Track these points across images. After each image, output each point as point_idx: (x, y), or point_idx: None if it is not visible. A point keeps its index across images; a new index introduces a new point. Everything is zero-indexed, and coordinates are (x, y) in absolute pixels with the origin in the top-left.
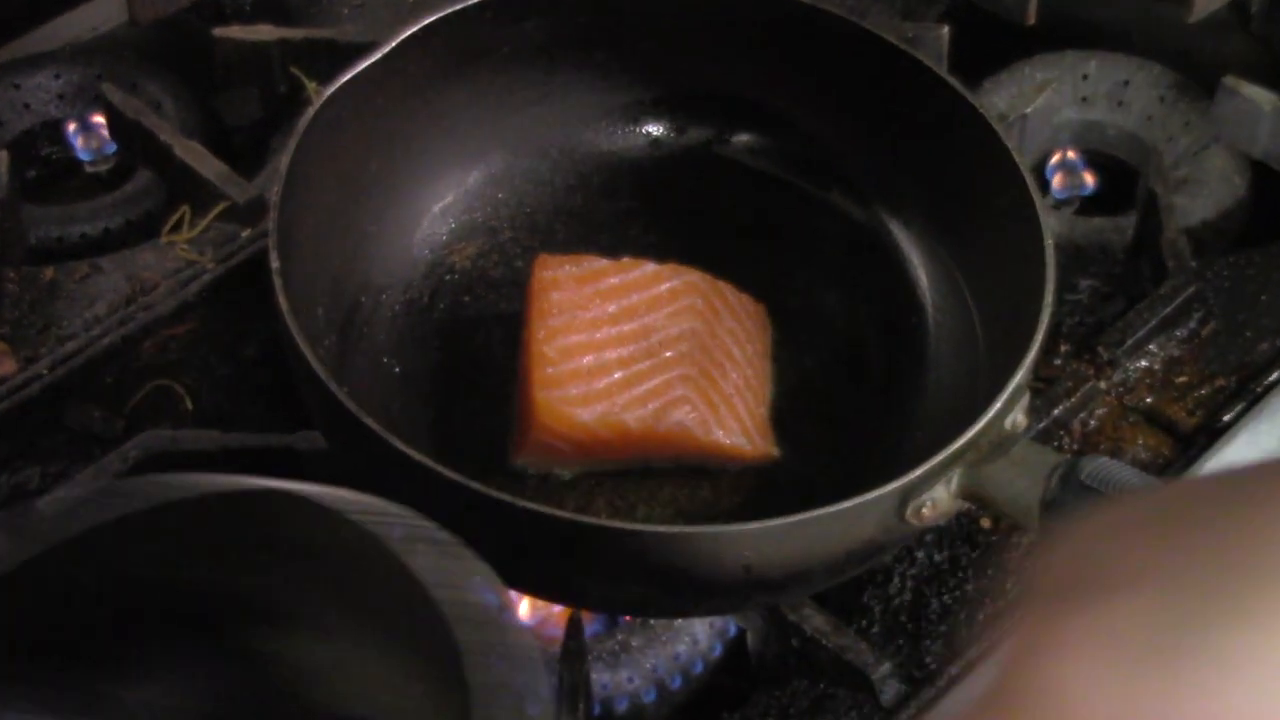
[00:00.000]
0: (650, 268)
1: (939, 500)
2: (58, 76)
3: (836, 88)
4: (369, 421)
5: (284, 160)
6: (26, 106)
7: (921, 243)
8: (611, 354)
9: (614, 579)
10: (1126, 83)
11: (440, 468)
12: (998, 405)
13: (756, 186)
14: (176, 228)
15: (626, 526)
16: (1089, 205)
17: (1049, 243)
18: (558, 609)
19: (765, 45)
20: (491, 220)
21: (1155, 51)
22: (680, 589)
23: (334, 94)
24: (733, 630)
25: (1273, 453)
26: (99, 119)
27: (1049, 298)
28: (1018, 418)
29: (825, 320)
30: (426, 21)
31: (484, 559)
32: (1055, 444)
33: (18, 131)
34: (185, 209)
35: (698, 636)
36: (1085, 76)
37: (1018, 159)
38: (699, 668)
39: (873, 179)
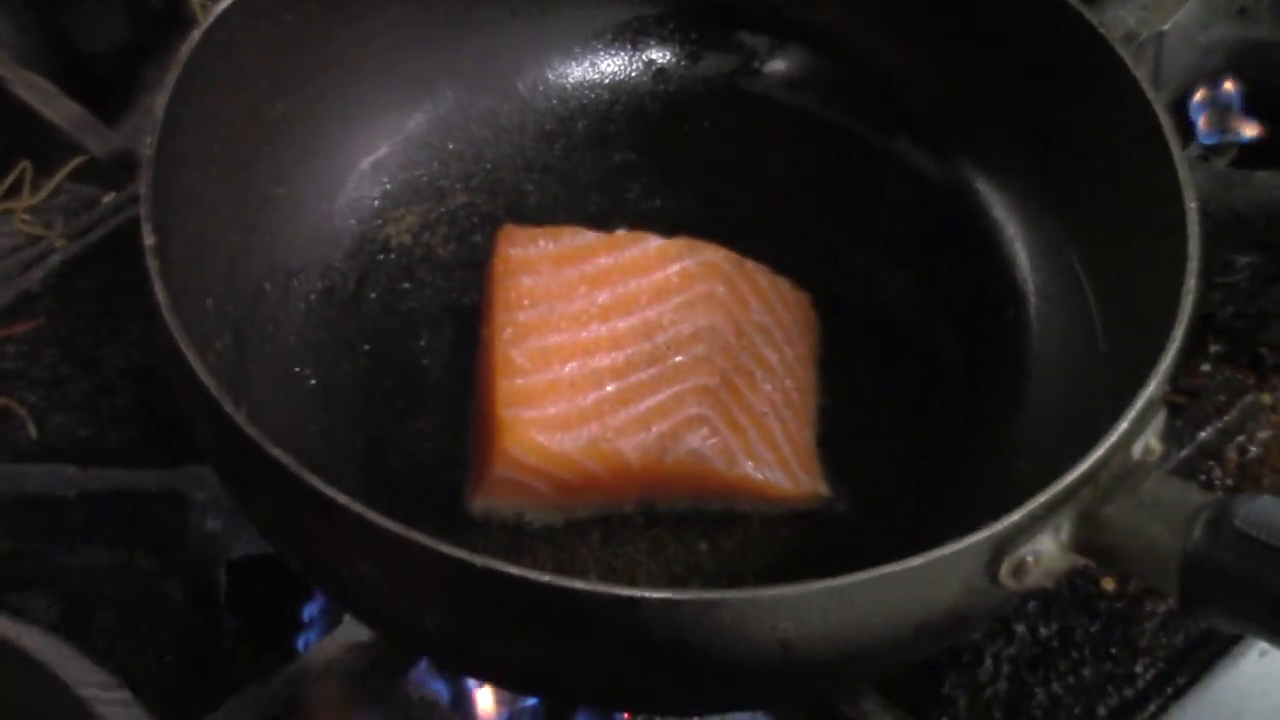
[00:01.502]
0: (654, 243)
1: (1045, 554)
2: None
3: None
4: (276, 454)
5: (160, 100)
6: None
7: (1021, 208)
8: (603, 359)
9: (607, 662)
10: None
11: (374, 516)
12: (1124, 426)
13: (796, 132)
14: (14, 192)
15: (623, 592)
16: (1249, 155)
17: (1191, 205)
18: (529, 702)
19: None
20: (439, 179)
21: None
22: (697, 676)
23: (228, 9)
24: None
25: None
26: None
27: (1192, 280)
28: (1151, 442)
29: (889, 313)
30: None
31: (428, 639)
32: (1202, 478)
33: None
34: (25, 166)
35: None
36: None
37: (1149, 93)
38: None
39: (954, 122)
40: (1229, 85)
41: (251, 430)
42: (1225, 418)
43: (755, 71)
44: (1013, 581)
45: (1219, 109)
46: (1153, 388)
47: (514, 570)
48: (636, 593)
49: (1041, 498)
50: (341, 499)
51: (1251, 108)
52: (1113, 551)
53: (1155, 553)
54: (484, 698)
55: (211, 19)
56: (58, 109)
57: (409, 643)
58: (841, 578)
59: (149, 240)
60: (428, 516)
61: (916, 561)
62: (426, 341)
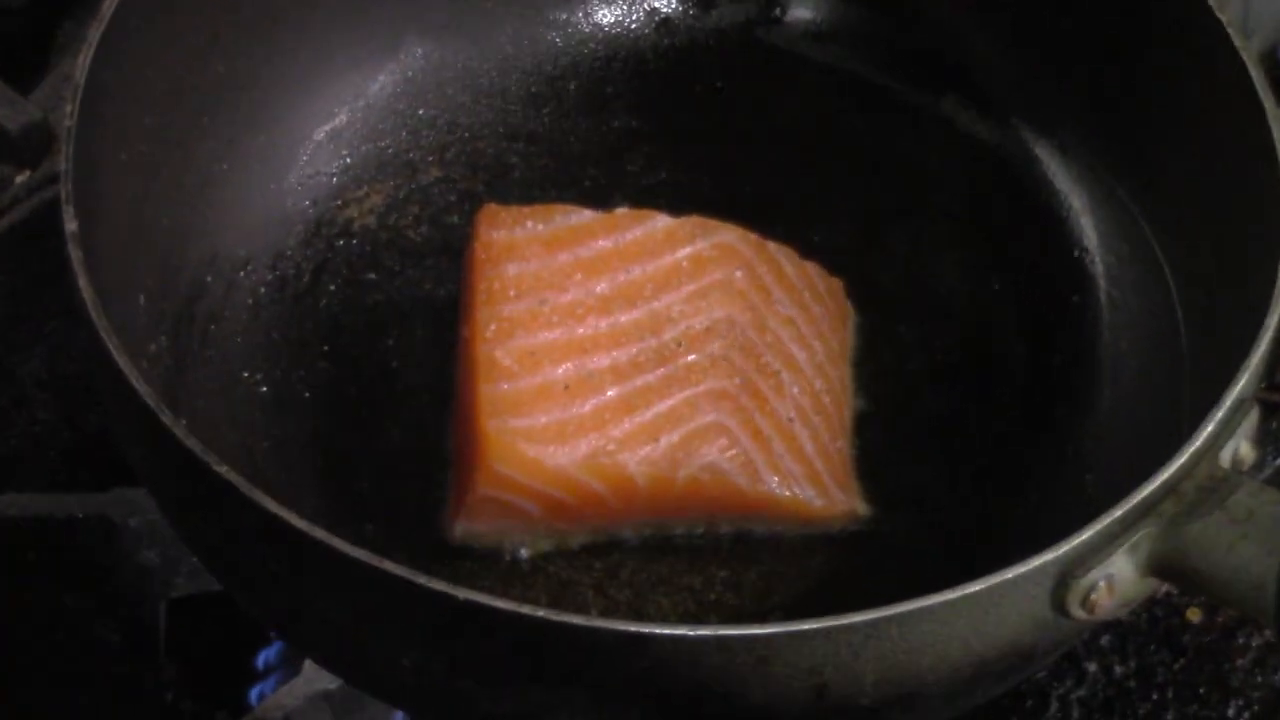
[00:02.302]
0: (660, 224)
1: (1119, 579)
2: None
3: None
4: (223, 471)
5: (82, 60)
6: None
7: (1088, 177)
8: (602, 360)
9: (612, 709)
10: None
11: (339, 543)
12: (1210, 429)
13: (824, 92)
14: None
15: (630, 628)
16: None
17: None
18: None
19: None
20: (408, 151)
21: None
22: None
23: None
24: None
25: None
26: None
27: None
28: (1242, 448)
29: (937, 302)
30: None
31: (403, 685)
32: None
33: None
34: None
35: None
36: None
37: (1237, 41)
38: None
39: (1009, 79)
40: None
41: (193, 444)
42: None
43: (776, 20)
44: (1083, 612)
45: None
46: (1243, 384)
47: (503, 604)
48: (645, 629)
49: (1116, 513)
50: (299, 523)
51: None
52: (1199, 575)
53: (1250, 576)
54: None
55: None
56: None
57: (382, 691)
58: (885, 608)
59: (71, 225)
60: (400, 544)
61: (973, 588)
62: (395, 341)
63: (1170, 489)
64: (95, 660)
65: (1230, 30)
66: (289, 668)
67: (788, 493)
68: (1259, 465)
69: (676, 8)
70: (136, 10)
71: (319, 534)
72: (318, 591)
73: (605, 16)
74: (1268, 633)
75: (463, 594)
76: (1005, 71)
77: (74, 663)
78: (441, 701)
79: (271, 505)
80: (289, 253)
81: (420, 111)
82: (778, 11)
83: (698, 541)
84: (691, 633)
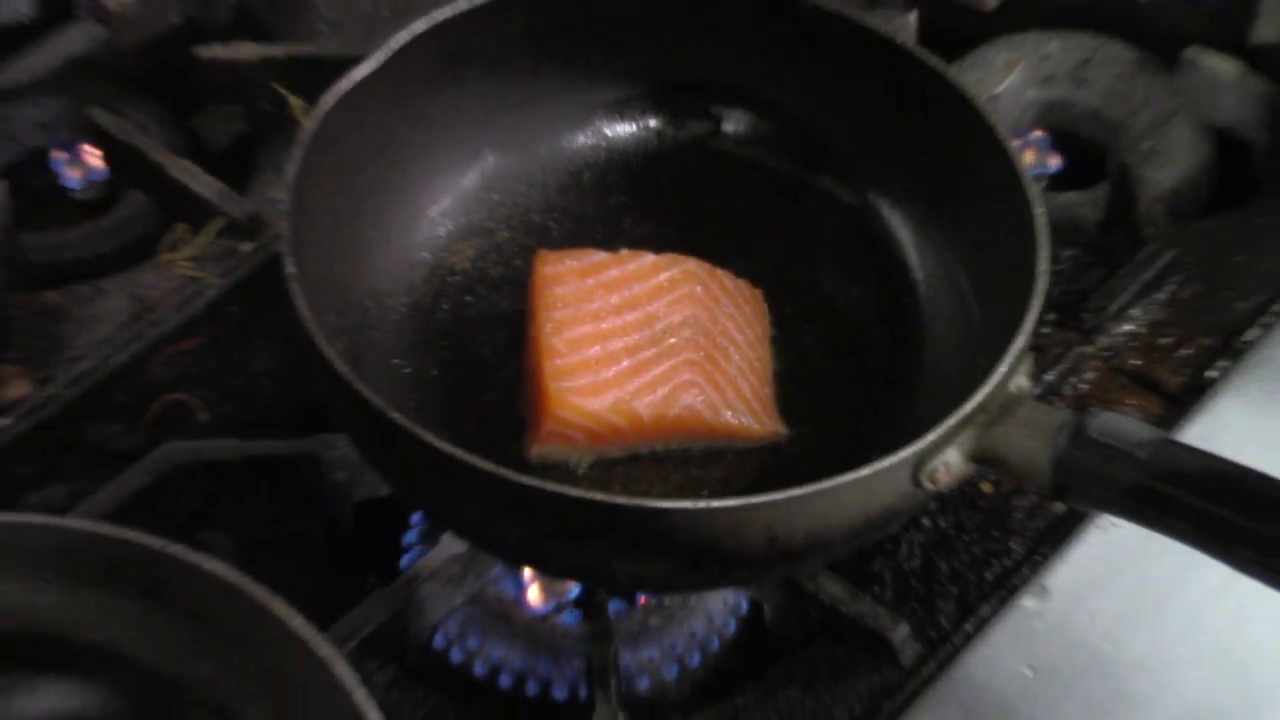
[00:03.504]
0: (649, 258)
1: (952, 464)
2: (37, 105)
3: (823, 74)
4: (396, 416)
5: (291, 171)
6: (9, 138)
7: (912, 222)
8: (618, 343)
9: (642, 558)
10: (1087, 60)
11: (473, 458)
12: (1003, 368)
13: (748, 175)
14: (174, 246)
15: (657, 505)
16: (1054, 183)
17: (1040, 210)
18: (571, 595)
19: (750, 33)
20: (487, 221)
21: (1114, 28)
22: (707, 563)
23: (333, 106)
24: (745, 607)
25: (1259, 404)
26: (85, 146)
27: (1044, 263)
28: (1022, 381)
29: (822, 303)
30: (416, 31)
31: (511, 546)
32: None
33: (3, 163)
34: (183, 228)
35: (713, 614)
36: (1047, 56)
37: (1002, 132)
38: (715, 644)
39: (862, 163)
40: (1039, 132)
41: (373, 399)
42: (1060, 365)
43: (718, 133)
44: (931, 484)
45: (1035, 148)
46: (1021, 340)
47: (571, 491)
48: (661, 504)
49: (950, 422)
50: (447, 448)
51: (1054, 147)
52: (1001, 461)
53: (1032, 459)
54: (534, 592)
55: (322, 113)
56: (204, 184)
57: (495, 551)
58: (813, 485)
59: (291, 270)
60: (497, 463)
61: (866, 471)
62: (487, 339)
63: (980, 409)
64: (307, 544)
65: (997, 124)
66: (431, 540)
67: (736, 421)
68: (1032, 390)
69: (652, 127)
70: (320, 142)
71: (460, 454)
72: (454, 489)
73: (608, 132)
74: (1032, 497)
75: (549, 487)
76: (860, 160)
77: (293, 546)
78: (534, 556)
79: (430, 438)
80: (417, 286)
81: (494, 196)
82: (720, 127)
83: (681, 454)
84: (690, 506)
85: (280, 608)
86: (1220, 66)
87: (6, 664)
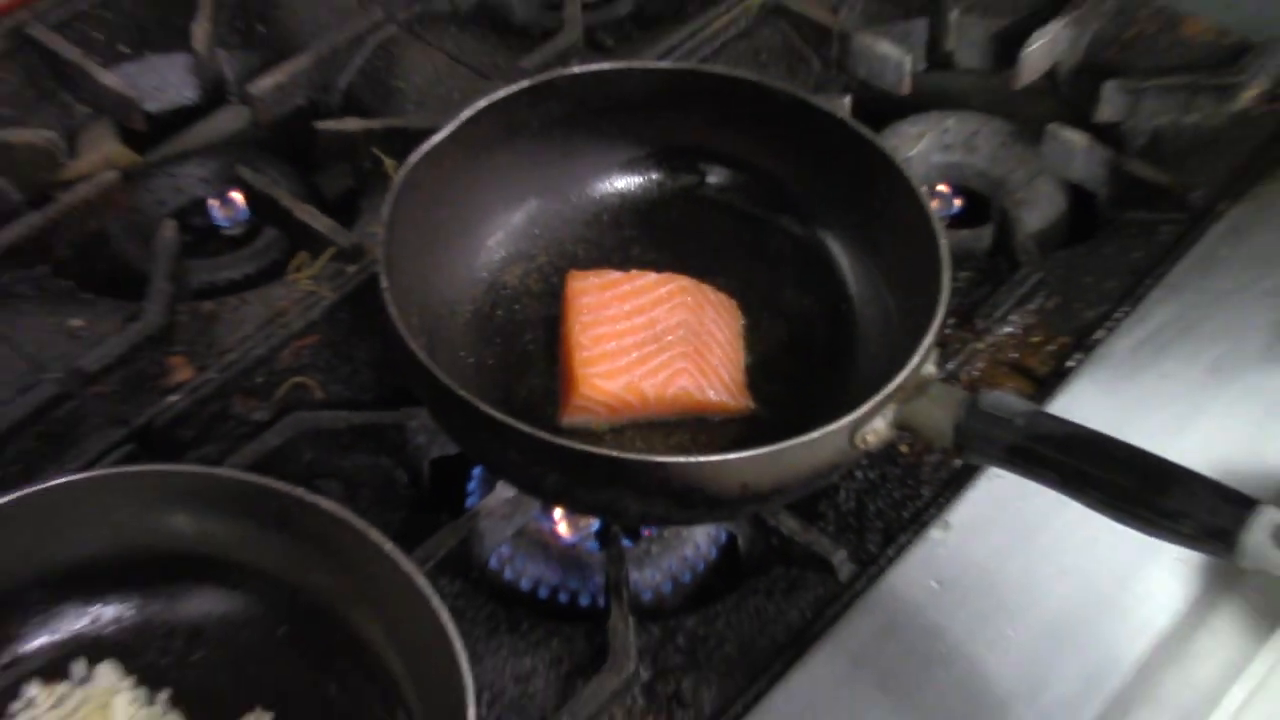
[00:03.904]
0: (652, 276)
1: (879, 430)
2: (200, 165)
3: (783, 140)
4: (463, 393)
5: (385, 212)
6: (179, 189)
7: (848, 250)
8: (629, 340)
9: (647, 499)
10: (976, 133)
11: (521, 425)
12: (916, 358)
13: (725, 215)
14: (299, 268)
15: (657, 460)
16: (952, 222)
17: (944, 242)
18: (593, 529)
19: (728, 112)
20: (531, 249)
21: (994, 109)
22: (695, 504)
23: (415, 163)
24: (724, 537)
25: (1105, 386)
26: (233, 194)
27: (947, 281)
28: (930, 368)
29: (781, 309)
30: (478, 107)
31: (548, 491)
32: None
33: (174, 207)
34: (304, 255)
35: (699, 543)
36: (946, 130)
37: (915, 184)
38: (701, 566)
39: (812, 205)
40: (942, 185)
41: (449, 381)
42: (958, 357)
43: (704, 183)
44: (862, 445)
45: (939, 197)
46: (931, 336)
47: (596, 450)
48: (666, 459)
49: (877, 398)
50: (501, 417)
51: (953, 196)
52: (915, 427)
53: (938, 426)
54: (564, 526)
55: (407, 168)
56: (320, 222)
57: (534, 493)
58: (774, 445)
59: (385, 284)
60: (539, 428)
61: (814, 435)
62: (531, 337)
63: (900, 388)
64: (395, 490)
65: (915, 183)
66: (488, 487)
67: (718, 398)
68: (938, 375)
69: (658, 178)
70: (405, 190)
71: (511, 421)
72: (505, 447)
73: (620, 184)
74: (939, 455)
75: (577, 446)
76: (812, 203)
77: (385, 491)
78: (565, 498)
79: (488, 409)
80: (477, 298)
81: (536, 230)
82: (705, 179)
83: (677, 423)
84: (683, 460)
85: (376, 535)
86: (1073, 138)
87: (176, 576)
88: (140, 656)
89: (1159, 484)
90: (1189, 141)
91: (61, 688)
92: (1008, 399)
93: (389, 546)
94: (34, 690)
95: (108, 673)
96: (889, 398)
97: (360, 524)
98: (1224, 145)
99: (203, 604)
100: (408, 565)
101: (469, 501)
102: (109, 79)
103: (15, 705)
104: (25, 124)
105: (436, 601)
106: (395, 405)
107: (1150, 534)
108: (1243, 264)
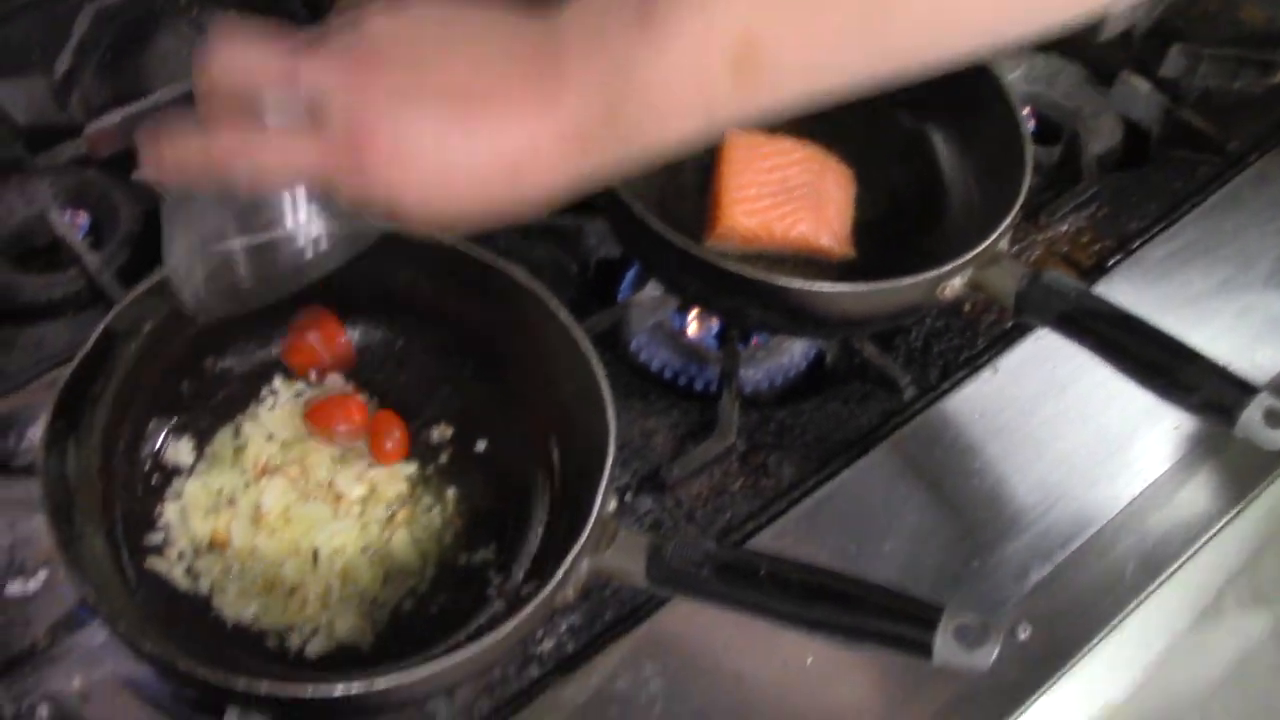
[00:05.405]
0: (789, 142)
1: (955, 286)
2: None
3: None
4: (638, 208)
5: None
6: None
7: (948, 144)
8: (766, 189)
9: (767, 311)
10: (1060, 71)
11: (675, 235)
12: (995, 234)
13: (857, 103)
14: None
15: (779, 282)
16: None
17: (1030, 148)
18: (715, 330)
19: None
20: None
21: (1075, 56)
22: (803, 321)
23: None
24: (814, 352)
25: (1137, 284)
26: None
27: (1028, 178)
28: (1003, 244)
29: (887, 183)
30: None
31: (689, 292)
32: None
33: None
34: None
35: (794, 354)
36: (1035, 66)
37: (1014, 102)
38: (794, 371)
39: (925, 106)
40: (1027, 109)
41: (630, 198)
42: (1023, 243)
43: None
44: (942, 296)
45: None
46: (1009, 219)
47: (731, 265)
48: (783, 281)
49: (962, 259)
50: (663, 227)
51: (1034, 116)
52: (985, 287)
53: (1003, 289)
54: (693, 326)
55: None
56: None
57: (676, 292)
58: (871, 284)
59: None
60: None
61: (906, 280)
62: (693, 167)
63: (978, 256)
64: (567, 278)
65: (1015, 106)
66: (640, 284)
67: (829, 243)
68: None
69: None
70: None
71: (667, 231)
72: (662, 253)
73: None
74: (995, 313)
75: (718, 260)
76: (926, 102)
77: (559, 278)
78: (701, 299)
79: (652, 220)
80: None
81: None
82: None
83: (794, 257)
84: (799, 284)
85: (555, 303)
86: (1139, 85)
87: (395, 314)
88: (362, 373)
89: (1179, 361)
90: (1233, 102)
91: (299, 384)
92: (1063, 278)
93: (564, 314)
94: (278, 383)
95: (335, 378)
96: (970, 261)
97: (545, 292)
98: (1261, 108)
99: (412, 338)
100: (577, 331)
101: (621, 295)
102: None
103: (264, 390)
104: None
105: (595, 361)
106: (575, 212)
107: (1165, 399)
108: (1262, 205)
